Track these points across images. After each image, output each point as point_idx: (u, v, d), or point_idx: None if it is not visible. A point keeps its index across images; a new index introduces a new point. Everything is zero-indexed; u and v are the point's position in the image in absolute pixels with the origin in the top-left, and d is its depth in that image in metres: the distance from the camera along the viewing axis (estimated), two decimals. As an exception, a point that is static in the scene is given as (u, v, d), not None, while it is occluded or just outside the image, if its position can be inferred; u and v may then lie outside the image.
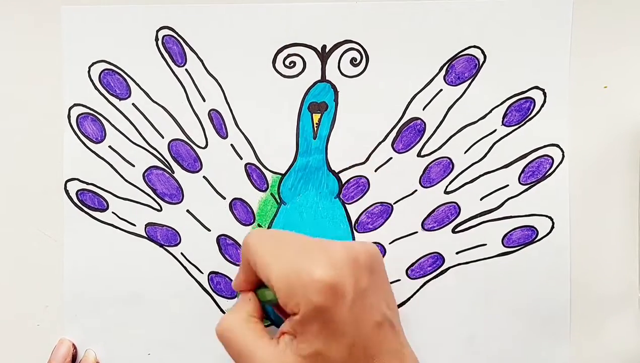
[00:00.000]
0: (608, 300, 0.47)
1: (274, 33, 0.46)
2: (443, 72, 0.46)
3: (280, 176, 0.47)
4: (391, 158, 0.47)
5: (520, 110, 0.46)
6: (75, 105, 0.47)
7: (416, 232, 0.47)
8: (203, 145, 0.47)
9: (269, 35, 0.46)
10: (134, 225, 0.47)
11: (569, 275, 0.47)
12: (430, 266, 0.47)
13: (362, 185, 0.47)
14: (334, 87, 0.46)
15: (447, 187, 0.47)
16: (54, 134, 0.47)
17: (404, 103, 0.46)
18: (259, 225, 0.47)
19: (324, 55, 0.46)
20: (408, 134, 0.46)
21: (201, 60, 0.46)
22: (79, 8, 0.46)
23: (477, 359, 0.46)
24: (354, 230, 0.47)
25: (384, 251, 0.46)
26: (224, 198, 0.47)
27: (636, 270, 0.47)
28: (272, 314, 0.42)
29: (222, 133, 0.47)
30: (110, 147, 0.47)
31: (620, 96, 0.47)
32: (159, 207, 0.47)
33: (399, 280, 0.47)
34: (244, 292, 0.41)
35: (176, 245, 0.47)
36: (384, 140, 0.46)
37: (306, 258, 0.37)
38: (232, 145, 0.47)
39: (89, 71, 0.46)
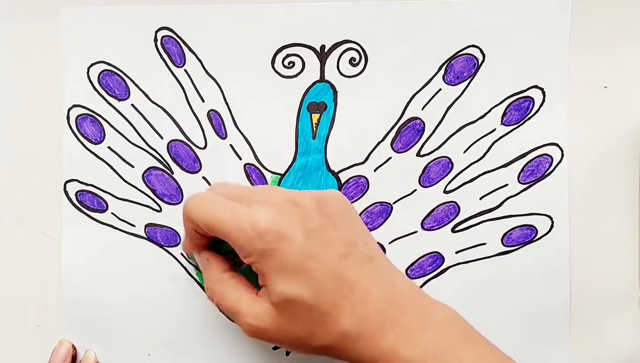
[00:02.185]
0: (608, 300, 0.47)
1: (272, 33, 0.46)
2: (442, 71, 0.46)
3: (279, 176, 0.47)
4: (390, 158, 0.47)
5: (519, 110, 0.46)
6: (74, 106, 0.47)
7: (416, 232, 0.47)
8: (202, 146, 0.47)
9: (267, 35, 0.46)
10: (134, 226, 0.47)
11: (569, 274, 0.47)
12: (429, 266, 0.47)
13: (361, 185, 0.47)
14: (333, 87, 0.46)
15: (446, 186, 0.47)
16: (53, 135, 0.47)
17: (403, 103, 0.46)
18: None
19: (322, 55, 0.46)
20: (407, 133, 0.46)
21: (200, 61, 0.46)
22: (78, 9, 0.46)
23: (477, 359, 0.46)
24: (354, 230, 0.47)
25: (384, 251, 0.46)
26: (224, 198, 0.47)
27: (636, 270, 0.47)
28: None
29: (222, 133, 0.47)
30: (109, 148, 0.47)
31: (620, 96, 0.47)
32: (158, 208, 0.47)
33: (398, 280, 0.47)
34: (199, 255, 0.42)
35: (176, 245, 0.47)
36: (383, 139, 0.46)
37: (248, 208, 0.37)
38: (231, 145, 0.47)
39: (88, 72, 0.46)
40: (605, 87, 0.46)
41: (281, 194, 0.39)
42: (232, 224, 0.37)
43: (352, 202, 0.47)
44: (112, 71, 0.46)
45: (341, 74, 0.46)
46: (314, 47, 0.46)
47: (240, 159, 0.47)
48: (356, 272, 0.37)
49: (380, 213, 0.47)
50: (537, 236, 0.46)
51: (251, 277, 0.40)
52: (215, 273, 0.40)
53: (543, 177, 0.46)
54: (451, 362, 0.36)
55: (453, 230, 0.47)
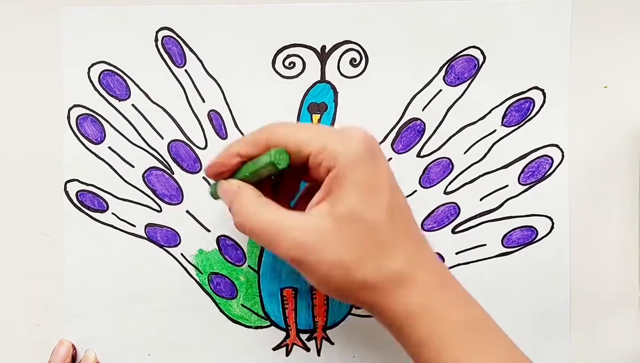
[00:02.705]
0: (608, 300, 0.47)
1: (273, 34, 0.46)
2: (443, 72, 0.46)
3: (280, 177, 0.47)
4: (391, 158, 0.47)
5: (519, 111, 0.46)
6: (74, 106, 0.47)
7: (416, 233, 0.47)
8: (203, 146, 0.47)
9: (268, 36, 0.46)
10: (134, 226, 0.47)
11: (569, 275, 0.47)
12: (430, 266, 0.47)
13: (361, 186, 0.47)
14: (333, 87, 0.46)
15: (446, 187, 0.47)
16: (54, 135, 0.47)
17: (403, 103, 0.46)
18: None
19: (323, 55, 0.46)
20: (408, 134, 0.46)
21: (201, 61, 0.46)
22: (78, 9, 0.46)
23: (477, 359, 0.46)
24: (354, 231, 0.47)
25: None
26: (224, 198, 0.47)
27: (636, 270, 0.47)
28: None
29: (222, 134, 0.47)
30: (110, 148, 0.47)
31: (620, 96, 0.47)
32: (158, 208, 0.47)
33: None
34: (223, 182, 0.39)
35: (176, 245, 0.47)
36: (383, 140, 0.46)
37: (336, 129, 0.37)
38: (231, 145, 0.47)
39: (88, 72, 0.46)
40: (605, 87, 0.46)
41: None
42: (329, 130, 0.36)
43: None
44: (112, 71, 0.46)
45: (342, 74, 0.46)
46: (314, 48, 0.46)
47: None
48: (414, 224, 0.37)
49: (380, 213, 0.47)
50: (538, 237, 0.46)
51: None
52: (251, 198, 0.37)
53: (543, 178, 0.46)
54: (493, 337, 0.37)
55: (453, 231, 0.47)
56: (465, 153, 0.46)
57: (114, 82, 0.46)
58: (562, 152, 0.46)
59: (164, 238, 0.47)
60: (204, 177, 0.47)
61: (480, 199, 0.47)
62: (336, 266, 0.34)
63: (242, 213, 0.37)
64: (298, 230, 0.35)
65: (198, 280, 0.47)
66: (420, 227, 0.38)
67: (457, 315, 0.35)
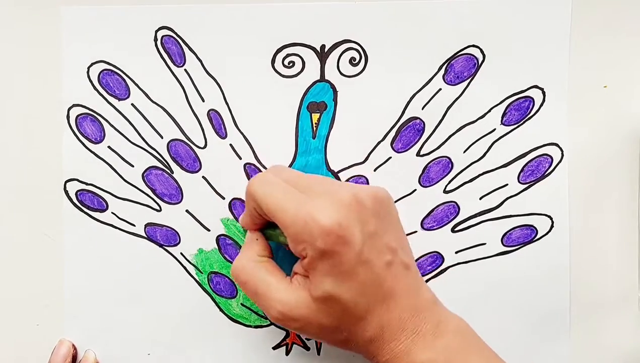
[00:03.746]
0: (608, 300, 0.47)
1: (272, 33, 0.46)
2: (442, 71, 0.46)
3: (279, 176, 0.47)
4: (390, 157, 0.46)
5: (519, 110, 0.46)
6: (74, 105, 0.47)
7: (415, 232, 0.47)
8: (202, 145, 0.47)
9: (267, 35, 0.46)
10: (134, 225, 0.47)
11: (569, 274, 0.47)
12: (429, 265, 0.47)
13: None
14: (333, 86, 0.46)
15: (446, 186, 0.47)
16: (53, 134, 0.47)
17: (403, 102, 0.46)
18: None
19: (323, 54, 0.46)
20: (407, 133, 0.46)
21: (200, 61, 0.46)
22: (78, 8, 0.46)
23: (477, 359, 0.46)
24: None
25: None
26: (224, 198, 0.47)
27: (636, 270, 0.47)
28: (277, 254, 0.44)
29: (221, 133, 0.47)
30: (109, 147, 0.47)
31: (620, 96, 0.46)
32: (158, 207, 0.47)
33: (398, 279, 0.47)
34: (251, 232, 0.43)
35: (176, 245, 0.47)
36: (383, 139, 0.46)
37: (312, 203, 0.38)
38: (231, 145, 0.47)
39: (88, 71, 0.46)
40: (605, 87, 0.46)
41: (344, 189, 0.39)
42: (296, 217, 0.38)
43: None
44: (112, 70, 0.46)
45: (341, 73, 0.46)
46: (314, 47, 0.46)
47: (240, 158, 0.47)
48: (394, 281, 0.39)
49: (380, 213, 0.47)
50: (537, 236, 0.46)
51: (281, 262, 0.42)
52: (252, 254, 0.42)
53: (543, 177, 0.46)
54: None
55: (453, 230, 0.47)
56: (464, 152, 0.46)
57: (113, 82, 0.46)
58: (562, 151, 0.46)
59: (163, 237, 0.47)
60: (203, 177, 0.47)
61: (480, 198, 0.47)
62: (318, 331, 0.39)
63: (240, 265, 0.41)
64: (282, 304, 0.39)
65: (198, 279, 0.47)
66: (407, 265, 0.40)
67: (423, 357, 0.38)
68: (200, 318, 0.47)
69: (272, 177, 0.40)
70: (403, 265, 0.39)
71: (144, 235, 0.47)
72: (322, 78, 0.46)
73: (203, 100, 0.47)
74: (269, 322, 0.47)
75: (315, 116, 0.46)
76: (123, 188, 0.47)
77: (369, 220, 0.38)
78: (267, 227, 0.43)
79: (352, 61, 0.46)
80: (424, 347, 0.38)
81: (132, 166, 0.47)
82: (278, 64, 0.46)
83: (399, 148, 0.47)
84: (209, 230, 0.47)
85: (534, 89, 0.46)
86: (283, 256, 0.44)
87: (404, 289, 0.39)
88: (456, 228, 0.47)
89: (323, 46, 0.46)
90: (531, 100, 0.46)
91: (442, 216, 0.47)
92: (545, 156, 0.46)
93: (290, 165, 0.46)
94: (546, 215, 0.46)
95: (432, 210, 0.47)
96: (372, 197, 0.39)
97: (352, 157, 0.46)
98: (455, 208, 0.47)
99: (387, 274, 0.38)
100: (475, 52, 0.46)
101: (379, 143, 0.46)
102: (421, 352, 0.38)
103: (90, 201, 0.47)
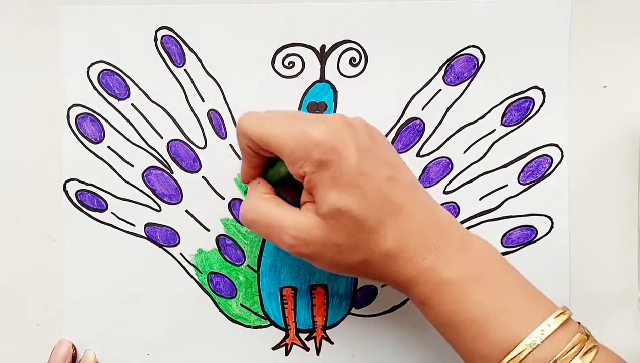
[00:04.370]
0: (608, 300, 0.47)
1: (272, 33, 0.46)
2: (442, 71, 0.46)
3: (279, 176, 0.47)
4: (390, 158, 0.46)
5: (519, 110, 0.46)
6: (74, 105, 0.47)
7: (415, 232, 0.47)
8: (202, 146, 0.47)
9: (267, 35, 0.46)
10: (133, 225, 0.47)
11: (569, 275, 0.47)
12: (429, 266, 0.47)
13: (361, 185, 0.47)
14: (333, 87, 0.46)
15: (446, 186, 0.47)
16: (53, 134, 0.47)
17: (403, 103, 0.46)
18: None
19: (323, 55, 0.46)
20: (407, 133, 0.46)
21: (200, 61, 0.46)
22: (78, 8, 0.46)
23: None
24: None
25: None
26: (223, 198, 0.47)
27: (636, 270, 0.47)
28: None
29: (221, 133, 0.47)
30: (109, 147, 0.47)
31: (620, 96, 0.47)
32: (158, 208, 0.47)
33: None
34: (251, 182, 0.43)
35: (175, 245, 0.47)
36: (383, 140, 0.46)
37: (304, 123, 0.38)
38: (231, 145, 0.47)
39: (87, 71, 0.46)
40: (605, 87, 0.46)
41: (333, 115, 0.40)
42: (289, 136, 0.38)
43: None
44: (112, 70, 0.46)
45: (341, 74, 0.46)
46: (314, 47, 0.46)
47: (240, 158, 0.47)
48: (401, 195, 0.38)
49: (380, 213, 0.47)
50: (537, 237, 0.46)
51: None
52: (257, 193, 0.41)
53: (543, 177, 0.46)
54: (490, 283, 0.38)
55: (453, 231, 0.47)
56: (464, 152, 0.46)
57: (113, 82, 0.46)
58: (562, 151, 0.46)
59: (163, 237, 0.47)
60: (203, 177, 0.47)
61: (480, 199, 0.47)
62: (334, 254, 0.38)
63: (247, 206, 0.41)
64: (294, 229, 0.38)
65: (197, 279, 0.47)
66: (413, 183, 0.40)
67: (450, 273, 0.37)
68: (199, 318, 0.47)
69: (261, 111, 0.41)
70: (408, 182, 0.39)
71: (144, 235, 0.47)
72: (322, 78, 0.46)
73: (203, 100, 0.47)
74: (268, 323, 0.47)
75: (315, 116, 0.46)
76: (123, 188, 0.47)
77: (362, 138, 0.38)
78: (266, 171, 0.42)
79: (352, 61, 0.46)
80: (451, 263, 0.38)
81: (132, 166, 0.47)
82: (278, 64, 0.46)
83: (399, 148, 0.47)
84: (208, 230, 0.47)
85: (534, 90, 0.46)
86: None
87: (416, 203, 0.39)
88: (456, 229, 0.47)
89: (323, 46, 0.46)
90: (531, 100, 0.46)
91: (442, 216, 0.47)
92: (545, 157, 0.46)
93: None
94: (546, 215, 0.46)
95: (432, 211, 0.47)
96: (363, 122, 0.40)
97: (352, 157, 0.46)
98: (455, 208, 0.47)
99: (392, 188, 0.38)
100: (475, 52, 0.46)
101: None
102: (448, 268, 0.37)
103: (90, 201, 0.47)
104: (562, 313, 0.37)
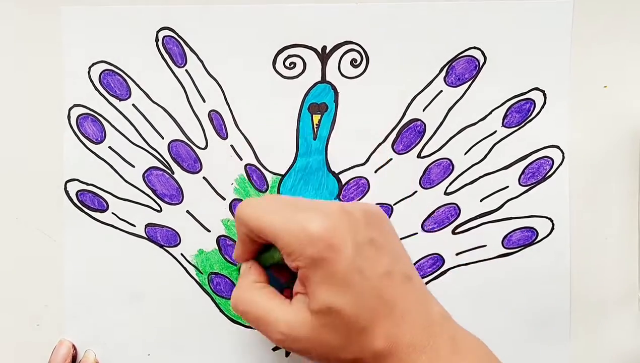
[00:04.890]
0: (608, 301, 0.47)
1: (274, 34, 0.46)
2: (443, 73, 0.46)
3: (280, 177, 0.47)
4: (391, 159, 0.46)
5: (520, 112, 0.46)
6: (75, 105, 0.47)
7: (416, 233, 0.47)
8: (203, 146, 0.47)
9: (269, 36, 0.46)
10: (134, 225, 0.47)
11: (569, 276, 0.47)
12: (430, 267, 0.47)
13: (362, 186, 0.47)
14: (334, 88, 0.46)
15: (447, 188, 0.47)
16: (54, 134, 0.47)
17: (404, 104, 0.46)
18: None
19: (324, 56, 0.46)
20: (408, 135, 0.46)
21: (201, 61, 0.46)
22: (78, 8, 0.46)
23: (477, 360, 0.46)
24: (354, 231, 0.47)
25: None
26: (224, 199, 0.47)
27: (636, 270, 0.47)
28: (272, 281, 0.43)
29: (222, 134, 0.47)
30: (110, 147, 0.47)
31: (620, 96, 0.47)
32: (158, 208, 0.47)
33: (398, 281, 0.47)
34: (244, 262, 0.42)
35: (176, 245, 0.47)
36: (384, 141, 0.46)
37: (301, 214, 0.37)
38: (232, 146, 0.47)
39: (89, 72, 0.46)
40: (605, 87, 0.46)
41: (332, 203, 0.39)
42: (285, 228, 0.37)
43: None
44: (113, 71, 0.46)
45: (342, 75, 0.46)
46: (315, 48, 0.46)
47: (241, 159, 0.47)
48: (396, 292, 0.37)
49: (380, 214, 0.47)
50: (538, 238, 0.47)
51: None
52: (249, 282, 0.41)
53: (544, 179, 0.46)
54: None
55: (453, 232, 0.47)
56: (465, 154, 0.46)
57: (114, 82, 0.46)
58: (563, 153, 0.46)
59: (164, 238, 0.47)
60: (204, 177, 0.47)
61: (481, 200, 0.47)
62: (325, 352, 0.37)
63: (238, 295, 0.41)
64: (284, 324, 0.38)
65: (198, 280, 0.47)
66: (408, 277, 0.39)
67: None
68: (200, 318, 0.47)
69: (260, 199, 0.41)
70: (404, 276, 0.38)
71: (145, 235, 0.47)
72: (323, 79, 0.46)
73: (204, 101, 0.46)
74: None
75: (316, 117, 0.46)
76: (123, 189, 0.47)
77: (360, 230, 0.37)
78: (260, 253, 0.42)
79: (353, 62, 0.46)
80: None
81: (133, 166, 0.47)
82: (279, 65, 0.46)
83: (400, 149, 0.47)
84: (209, 230, 0.47)
85: (534, 91, 0.46)
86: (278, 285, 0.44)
87: (410, 301, 0.38)
88: (457, 230, 0.47)
89: (324, 47, 0.46)
90: (532, 102, 0.46)
91: (443, 218, 0.47)
92: (546, 158, 0.46)
93: (291, 167, 0.46)
94: (547, 217, 0.46)
95: (433, 212, 0.47)
96: (361, 210, 0.38)
97: (353, 158, 0.46)
98: (455, 210, 0.47)
99: (386, 285, 0.37)
100: (476, 54, 0.46)
101: (379, 144, 0.46)
102: None
103: (90, 201, 0.47)
104: None
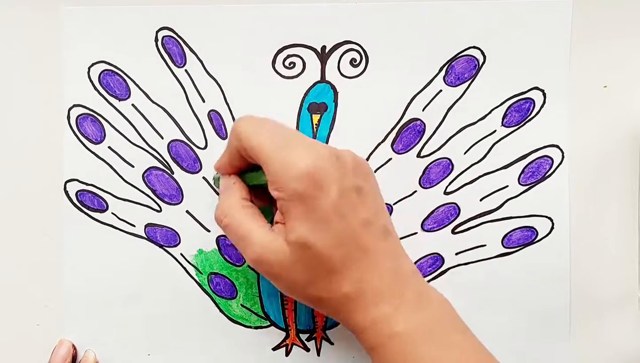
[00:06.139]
0: (608, 300, 0.47)
1: (273, 34, 0.46)
2: (443, 72, 0.46)
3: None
4: (391, 159, 0.46)
5: (519, 111, 0.46)
6: (74, 105, 0.47)
7: (416, 233, 0.47)
8: (203, 146, 0.47)
9: (268, 35, 0.46)
10: (134, 225, 0.47)
11: (569, 275, 0.47)
12: (429, 267, 0.47)
13: (361, 186, 0.47)
14: (333, 87, 0.46)
15: (446, 187, 0.47)
16: (54, 134, 0.47)
17: (403, 104, 0.46)
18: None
19: (323, 55, 0.46)
20: (408, 134, 0.46)
21: (201, 61, 0.46)
22: (78, 8, 0.46)
23: (477, 360, 0.46)
24: (354, 231, 0.47)
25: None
26: (224, 198, 0.47)
27: (636, 270, 0.47)
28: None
29: (222, 134, 0.47)
30: (109, 147, 0.47)
31: (620, 96, 0.47)
32: (158, 208, 0.47)
33: (398, 280, 0.47)
34: (225, 176, 0.42)
35: (176, 245, 0.47)
36: (383, 140, 0.46)
37: (293, 148, 0.38)
38: (231, 145, 0.47)
39: (88, 72, 0.46)
40: (605, 87, 0.46)
41: (325, 146, 0.39)
42: (276, 157, 0.38)
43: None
44: (112, 71, 0.46)
45: (342, 74, 0.46)
46: (314, 48, 0.46)
47: (241, 159, 0.47)
48: (372, 241, 0.38)
49: (380, 214, 0.47)
50: (538, 238, 0.46)
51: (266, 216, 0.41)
52: (236, 199, 0.41)
53: (543, 178, 0.46)
54: (441, 341, 0.38)
55: (453, 232, 0.47)
56: (465, 153, 0.46)
57: (114, 82, 0.46)
58: (562, 152, 0.46)
59: (163, 238, 0.47)
60: (203, 177, 0.47)
61: (481, 200, 0.47)
62: (292, 284, 0.39)
63: (223, 210, 0.41)
64: (261, 246, 0.38)
65: (198, 280, 0.47)
66: (387, 231, 0.39)
67: (402, 326, 0.37)
68: (200, 319, 0.47)
69: (261, 119, 0.41)
70: (382, 229, 0.39)
71: (144, 235, 0.47)
72: (323, 79, 0.46)
73: (204, 101, 0.46)
74: (268, 323, 0.47)
75: (316, 117, 0.46)
76: (123, 189, 0.47)
77: (346, 176, 0.38)
78: (248, 171, 0.42)
79: (352, 62, 0.46)
80: (405, 317, 0.37)
81: (133, 166, 0.47)
82: (279, 64, 0.46)
83: (400, 149, 0.47)
84: (209, 230, 0.47)
85: (534, 91, 0.46)
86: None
87: (384, 253, 0.38)
88: (456, 230, 0.47)
89: (324, 47, 0.46)
90: (532, 101, 0.46)
91: (443, 217, 0.47)
92: (545, 158, 0.46)
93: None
94: (546, 216, 0.46)
95: (433, 212, 0.47)
96: (352, 157, 0.39)
97: (353, 158, 0.46)
98: (455, 209, 0.47)
99: (364, 233, 0.38)
100: (475, 53, 0.46)
101: (379, 144, 0.46)
102: (402, 322, 0.37)
103: (90, 201, 0.47)
104: None
